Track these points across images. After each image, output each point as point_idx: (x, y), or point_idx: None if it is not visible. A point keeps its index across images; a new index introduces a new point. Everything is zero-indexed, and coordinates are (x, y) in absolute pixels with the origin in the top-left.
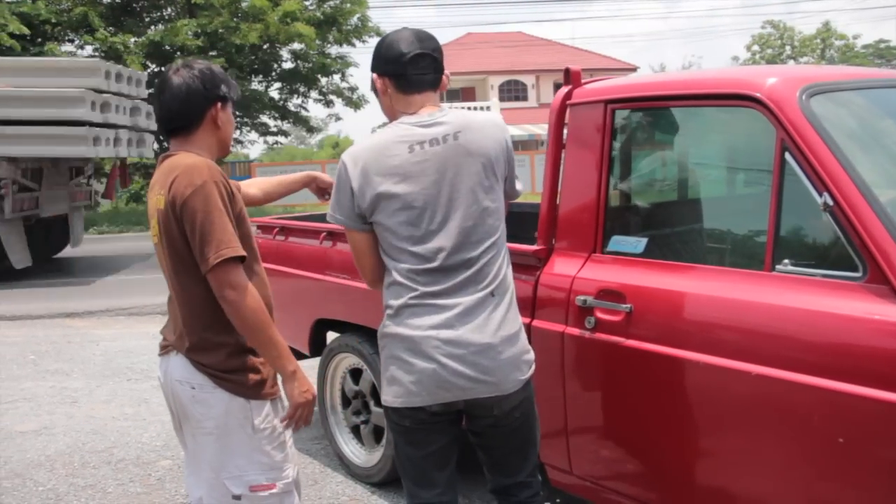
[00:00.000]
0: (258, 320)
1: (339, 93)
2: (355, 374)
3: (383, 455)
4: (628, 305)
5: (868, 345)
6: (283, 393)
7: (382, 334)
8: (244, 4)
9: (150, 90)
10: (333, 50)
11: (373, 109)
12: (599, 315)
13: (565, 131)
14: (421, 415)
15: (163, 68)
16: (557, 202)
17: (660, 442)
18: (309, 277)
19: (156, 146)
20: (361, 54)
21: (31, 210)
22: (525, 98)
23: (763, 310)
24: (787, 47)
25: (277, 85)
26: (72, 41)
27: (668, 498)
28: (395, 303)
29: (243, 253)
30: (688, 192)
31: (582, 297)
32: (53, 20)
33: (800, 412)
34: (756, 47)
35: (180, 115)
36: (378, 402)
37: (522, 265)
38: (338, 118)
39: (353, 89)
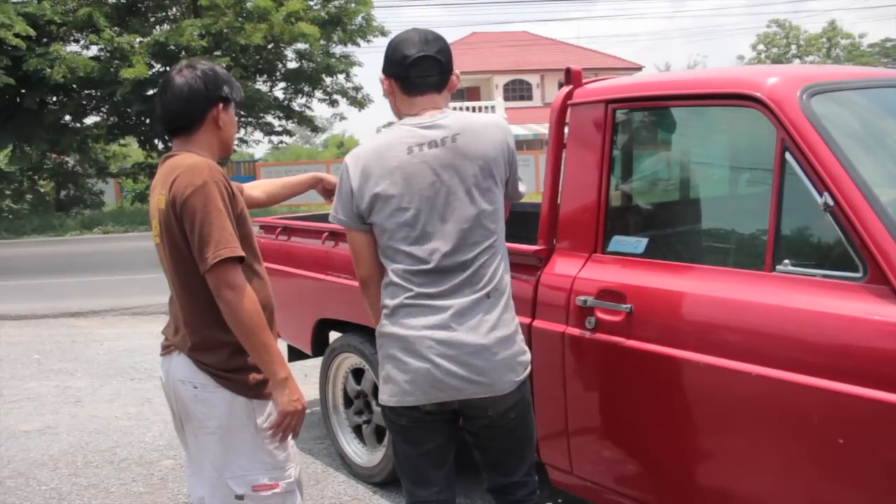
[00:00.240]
0: (254, 323)
1: (343, 92)
2: (357, 373)
3: (385, 455)
4: (629, 306)
5: (868, 345)
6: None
7: (379, 334)
8: (248, 4)
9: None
10: (338, 49)
11: (377, 109)
12: (600, 315)
13: (566, 131)
14: (416, 414)
15: (168, 68)
16: (558, 202)
17: (660, 442)
18: (311, 277)
19: (160, 146)
20: (366, 54)
21: None
22: (530, 97)
23: (763, 310)
24: (793, 46)
25: (282, 85)
26: (77, 41)
27: (669, 498)
28: (391, 303)
29: (241, 253)
30: (688, 193)
31: (582, 298)
32: (59, 20)
33: (800, 413)
34: (761, 46)
35: (181, 115)
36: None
37: (523, 265)
38: (342, 118)
39: (357, 89)
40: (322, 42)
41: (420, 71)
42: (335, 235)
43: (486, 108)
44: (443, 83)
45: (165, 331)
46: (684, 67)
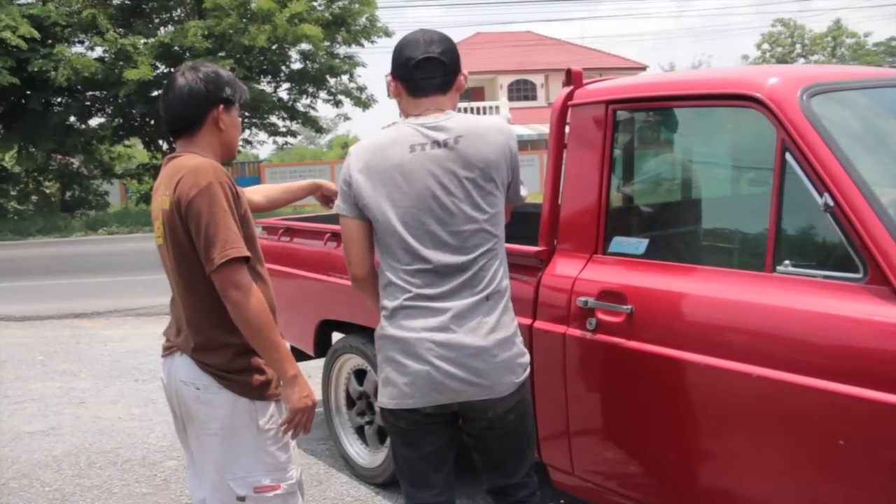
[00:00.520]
0: (261, 322)
1: (347, 93)
2: (359, 374)
3: (387, 456)
4: (629, 307)
5: (868, 346)
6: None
7: (378, 336)
8: (252, 6)
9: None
10: (342, 50)
11: (382, 109)
12: (601, 316)
13: (567, 132)
14: (415, 416)
15: (172, 69)
16: (559, 203)
17: (661, 443)
18: (313, 278)
19: (165, 147)
20: (370, 54)
21: None
22: (534, 97)
23: (763, 311)
24: (798, 46)
25: (286, 85)
26: (82, 42)
27: (670, 499)
28: (391, 304)
29: (248, 253)
30: (689, 193)
31: (583, 299)
32: (63, 22)
33: (800, 414)
34: (766, 46)
35: (182, 117)
36: None
37: (524, 266)
38: (347, 118)
39: (361, 89)
40: (326, 43)
41: (424, 73)
42: (337, 237)
43: (491, 108)
44: (447, 84)
45: (167, 332)
46: (689, 67)
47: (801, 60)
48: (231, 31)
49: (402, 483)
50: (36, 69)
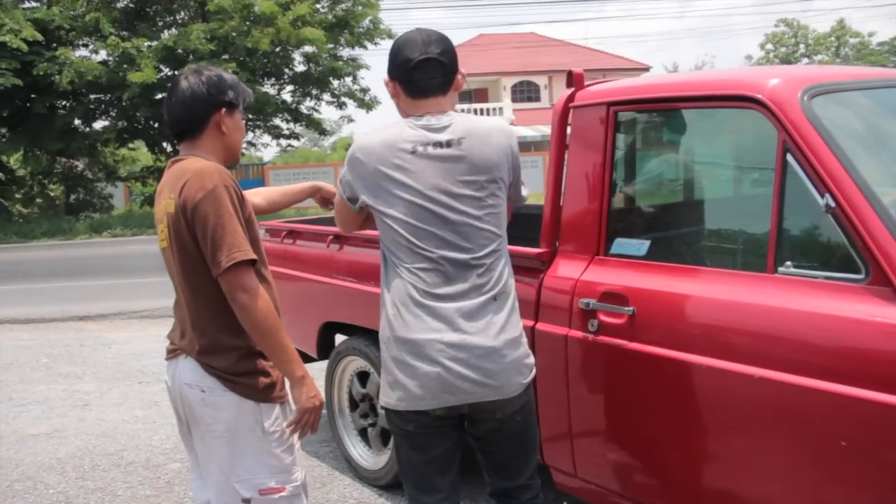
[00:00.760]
0: (269, 324)
1: (351, 95)
2: (362, 376)
3: (390, 458)
4: (631, 308)
5: (870, 347)
6: (290, 397)
7: (384, 337)
8: (255, 9)
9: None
10: (345, 52)
11: (385, 111)
12: (602, 318)
13: (568, 133)
14: (424, 419)
15: (176, 72)
16: (560, 204)
17: (663, 445)
18: (316, 281)
19: (169, 149)
20: (373, 56)
21: None
22: (538, 99)
23: (765, 312)
24: (801, 46)
25: (290, 88)
26: (86, 46)
27: (672, 501)
28: (398, 304)
29: (254, 256)
30: (690, 195)
31: (585, 300)
32: (67, 26)
33: (802, 415)
34: (770, 46)
35: (184, 119)
36: None
37: (526, 268)
38: (350, 120)
39: (365, 91)
40: (329, 45)
41: (423, 74)
42: (340, 239)
43: (494, 109)
44: (447, 84)
45: (171, 335)
46: (692, 68)
47: (805, 61)
48: (234, 34)
49: (407, 486)
50: (41, 72)
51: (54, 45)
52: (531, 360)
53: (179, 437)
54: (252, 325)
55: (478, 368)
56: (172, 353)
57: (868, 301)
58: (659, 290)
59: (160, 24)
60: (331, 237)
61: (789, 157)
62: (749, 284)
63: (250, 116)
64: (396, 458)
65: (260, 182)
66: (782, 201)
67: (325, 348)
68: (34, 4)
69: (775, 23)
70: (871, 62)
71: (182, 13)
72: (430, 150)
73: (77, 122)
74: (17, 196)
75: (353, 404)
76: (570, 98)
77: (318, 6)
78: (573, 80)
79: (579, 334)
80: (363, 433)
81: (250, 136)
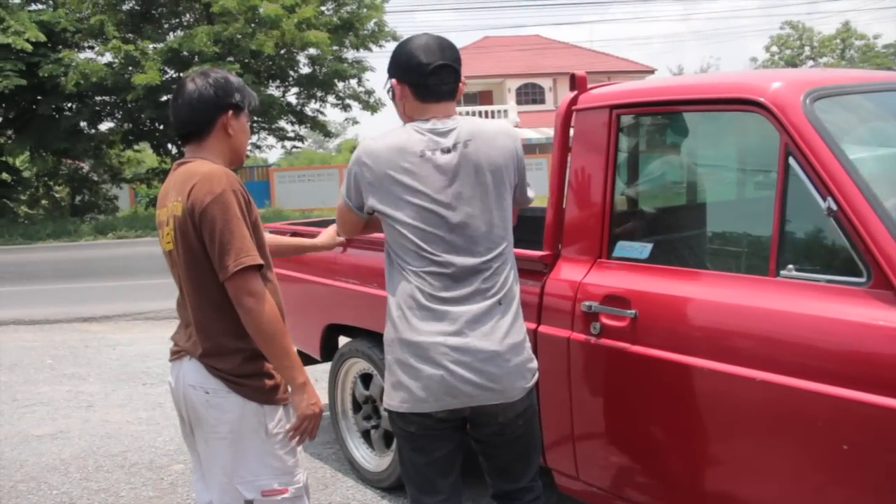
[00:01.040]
0: (274, 329)
1: (356, 97)
2: (365, 378)
3: (393, 460)
4: (633, 311)
5: (871, 351)
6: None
7: (388, 338)
8: (260, 10)
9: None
10: (350, 54)
11: (390, 113)
12: (605, 321)
13: (571, 136)
14: (427, 421)
15: (180, 74)
16: (563, 207)
17: (665, 447)
18: (320, 283)
19: (174, 151)
20: (378, 58)
21: None
22: (542, 101)
23: (767, 316)
24: (807, 48)
25: (295, 90)
26: (92, 48)
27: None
28: (403, 306)
29: (261, 261)
30: (692, 198)
31: (587, 303)
32: (72, 28)
33: (804, 418)
34: (775, 48)
35: (191, 122)
36: None
37: (529, 271)
38: (355, 122)
39: (369, 93)
40: (334, 47)
41: (438, 79)
42: (345, 241)
43: (499, 111)
44: (455, 91)
45: (175, 336)
46: (697, 70)
47: (811, 63)
48: (239, 37)
49: (409, 488)
50: (46, 74)
51: (60, 46)
52: (534, 364)
53: (182, 438)
54: (257, 329)
55: (481, 372)
56: (176, 355)
57: (870, 305)
58: (661, 293)
59: (166, 26)
60: None
61: (791, 161)
62: (751, 288)
63: (255, 119)
64: (399, 459)
65: (265, 184)
66: (784, 204)
67: (328, 350)
68: (40, 7)
69: (780, 25)
70: (876, 65)
71: (187, 15)
72: (439, 154)
73: (83, 123)
74: (23, 197)
75: (356, 406)
76: (573, 101)
77: (322, 8)
78: (576, 83)
79: (582, 337)
80: (366, 435)
81: (255, 138)
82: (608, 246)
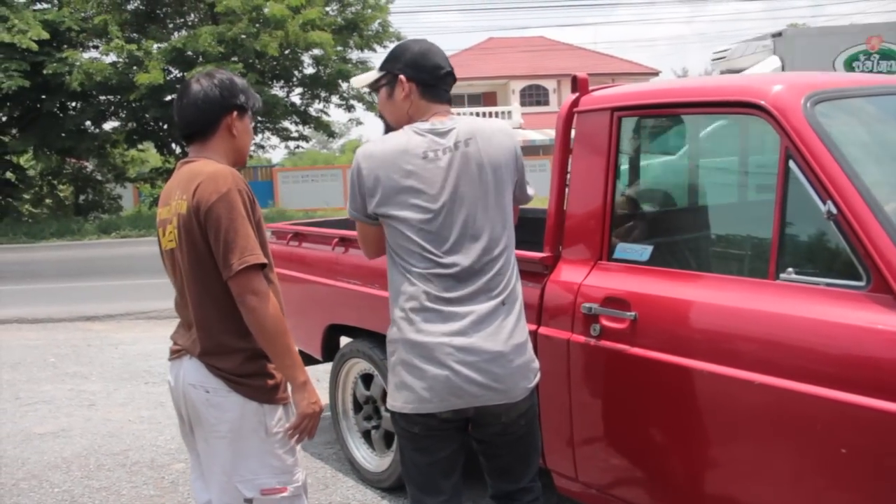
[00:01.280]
0: (277, 328)
1: (360, 97)
2: (366, 379)
3: (394, 460)
4: (633, 313)
5: (870, 355)
6: (291, 400)
7: (392, 339)
8: (265, 11)
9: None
10: (354, 55)
11: None
12: (605, 322)
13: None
14: (431, 421)
15: (184, 74)
16: (564, 209)
17: (664, 449)
18: (322, 283)
19: (178, 151)
20: (382, 59)
21: None
22: (546, 102)
23: (766, 318)
24: None
25: (299, 90)
26: (96, 47)
27: None
28: (408, 307)
29: (265, 260)
30: (693, 200)
31: (587, 305)
32: (77, 28)
33: (803, 422)
34: None
35: (196, 121)
36: None
37: (530, 272)
38: (359, 123)
39: (373, 94)
40: (338, 48)
41: (446, 84)
42: (345, 241)
43: (503, 113)
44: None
45: (175, 335)
46: (702, 72)
47: None
48: (243, 36)
49: (410, 488)
50: (50, 73)
51: (65, 46)
52: (536, 364)
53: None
54: (260, 328)
55: (486, 372)
56: (176, 354)
57: (869, 308)
58: (661, 295)
59: (171, 25)
60: (336, 240)
61: (791, 164)
62: (750, 291)
63: (259, 119)
64: (400, 459)
65: (269, 184)
66: (784, 208)
67: (329, 351)
68: (45, 6)
69: (785, 27)
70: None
71: (192, 15)
72: (441, 154)
73: (87, 122)
74: (27, 196)
75: (357, 406)
76: (575, 103)
77: (327, 9)
78: (578, 85)
79: (581, 339)
80: (367, 435)
81: (259, 137)
82: (608, 248)
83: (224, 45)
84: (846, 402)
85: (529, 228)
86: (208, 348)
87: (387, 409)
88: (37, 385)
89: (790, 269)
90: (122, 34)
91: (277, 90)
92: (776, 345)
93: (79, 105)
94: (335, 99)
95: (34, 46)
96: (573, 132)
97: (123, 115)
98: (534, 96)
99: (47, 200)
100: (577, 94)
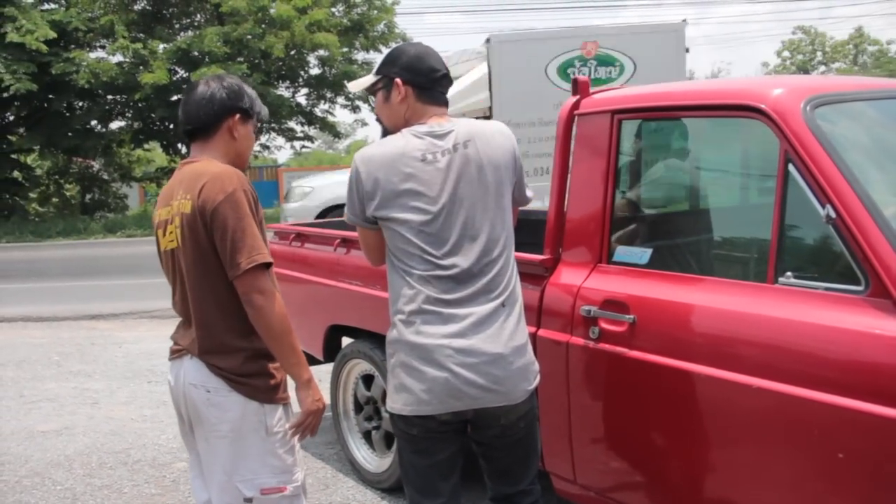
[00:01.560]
0: (283, 327)
1: (365, 98)
2: (367, 379)
3: (394, 461)
4: (632, 316)
5: (869, 360)
6: (292, 399)
7: (392, 341)
8: (272, 12)
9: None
10: (360, 56)
11: None
12: (603, 325)
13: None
14: (430, 423)
15: (189, 74)
16: (564, 211)
17: (662, 452)
18: (323, 284)
19: (184, 151)
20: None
21: None
22: None
23: (765, 322)
24: (819, 53)
25: (304, 91)
26: (103, 47)
27: None
28: (407, 309)
29: (272, 259)
30: (692, 204)
31: (587, 308)
32: (84, 28)
33: (801, 426)
34: (787, 53)
35: (198, 118)
36: None
37: (529, 274)
38: (364, 123)
39: None
40: (344, 49)
41: (442, 87)
42: (347, 242)
43: None
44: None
45: (175, 335)
46: (708, 75)
47: (823, 68)
48: (249, 37)
49: (409, 490)
50: (58, 72)
51: (72, 46)
52: (536, 366)
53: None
54: (266, 327)
55: (485, 374)
56: (177, 353)
57: (867, 313)
58: (660, 298)
59: (177, 26)
60: (338, 240)
61: (791, 168)
62: (749, 294)
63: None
64: (399, 461)
65: (274, 184)
66: (783, 211)
67: (331, 351)
68: (52, 6)
69: (792, 30)
70: (889, 71)
71: (198, 16)
72: (440, 156)
73: (93, 122)
74: (34, 195)
75: (358, 407)
76: (575, 105)
77: (332, 10)
78: (578, 87)
79: (580, 341)
80: (367, 436)
81: (264, 137)
82: (608, 251)
83: (229, 45)
84: (844, 407)
85: (529, 230)
86: (209, 347)
87: (387, 410)
88: (41, 383)
89: (789, 273)
90: (129, 34)
91: (283, 90)
92: (774, 349)
93: (85, 104)
94: (341, 99)
95: (43, 48)
96: (573, 134)
97: (130, 115)
98: None
99: (54, 199)
100: (577, 97)
